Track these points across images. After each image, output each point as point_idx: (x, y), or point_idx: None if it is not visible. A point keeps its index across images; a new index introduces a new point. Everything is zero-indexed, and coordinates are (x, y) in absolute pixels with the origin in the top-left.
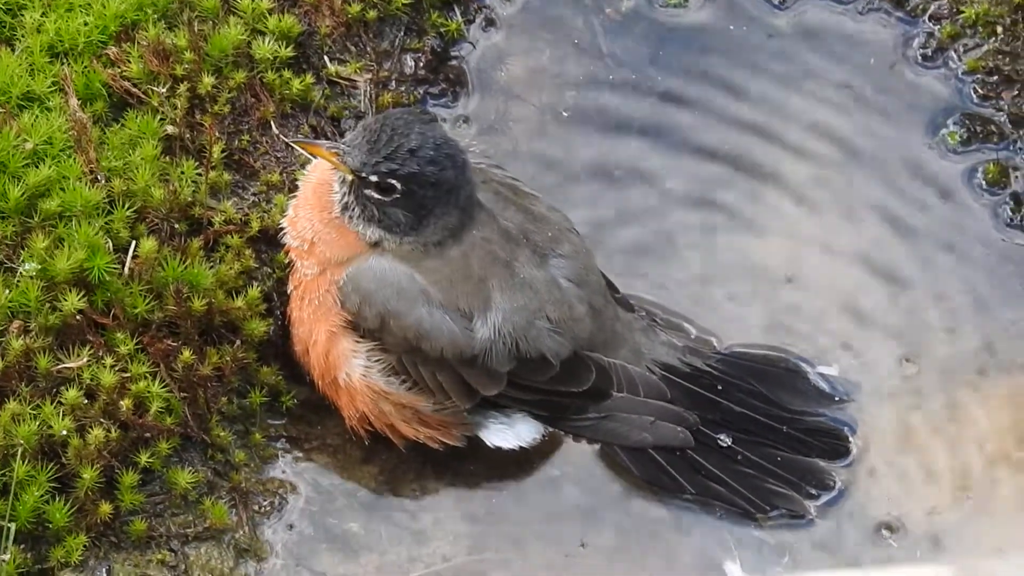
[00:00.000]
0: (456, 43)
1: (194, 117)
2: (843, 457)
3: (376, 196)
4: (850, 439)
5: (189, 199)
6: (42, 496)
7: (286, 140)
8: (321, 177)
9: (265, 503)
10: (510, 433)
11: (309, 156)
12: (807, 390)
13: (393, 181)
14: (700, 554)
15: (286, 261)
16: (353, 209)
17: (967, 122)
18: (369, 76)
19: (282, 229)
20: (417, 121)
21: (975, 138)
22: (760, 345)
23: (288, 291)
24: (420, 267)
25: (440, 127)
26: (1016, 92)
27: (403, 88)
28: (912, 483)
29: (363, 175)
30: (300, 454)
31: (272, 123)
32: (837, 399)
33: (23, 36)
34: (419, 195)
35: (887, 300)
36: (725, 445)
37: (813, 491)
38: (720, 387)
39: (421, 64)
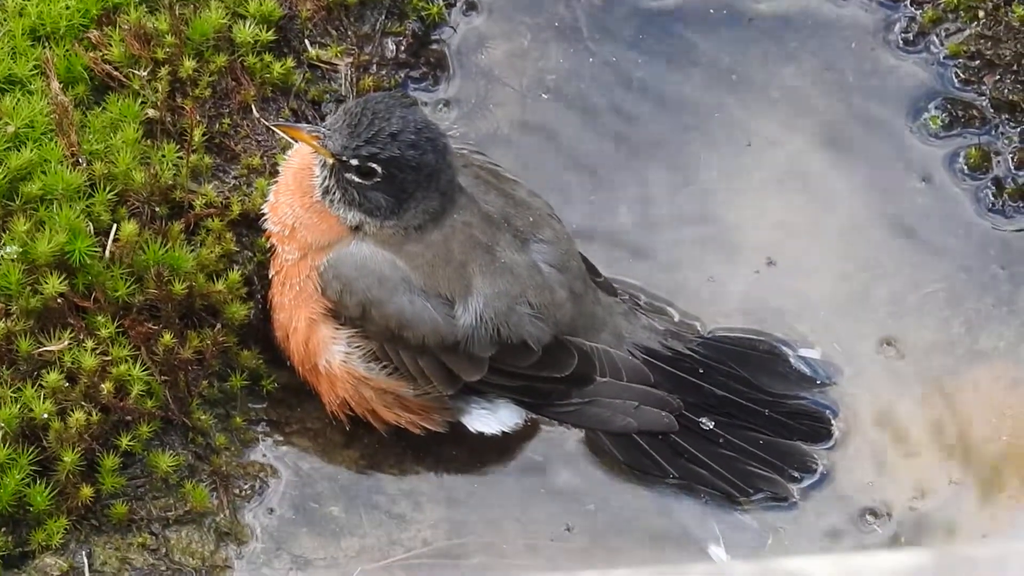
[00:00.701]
0: (437, 27)
1: (175, 100)
2: (825, 440)
3: (357, 180)
4: (832, 422)
5: (170, 182)
6: (23, 479)
7: (267, 124)
8: (302, 162)
9: (246, 487)
10: (492, 418)
11: (290, 140)
12: (789, 373)
13: (374, 165)
14: (684, 537)
15: (267, 246)
16: (334, 193)
17: (949, 107)
18: (350, 60)
19: (263, 213)
20: (398, 105)
21: (957, 123)
22: (742, 328)
23: (270, 276)
24: (401, 252)
25: (421, 111)
26: (998, 77)
27: (384, 72)
28: (894, 467)
29: (344, 159)
30: (281, 438)
31: (253, 107)
32: (819, 382)
33: (5, 20)
34: (400, 179)
35: (868, 284)
36: (707, 429)
37: (796, 474)
38: (702, 370)
39: (402, 48)
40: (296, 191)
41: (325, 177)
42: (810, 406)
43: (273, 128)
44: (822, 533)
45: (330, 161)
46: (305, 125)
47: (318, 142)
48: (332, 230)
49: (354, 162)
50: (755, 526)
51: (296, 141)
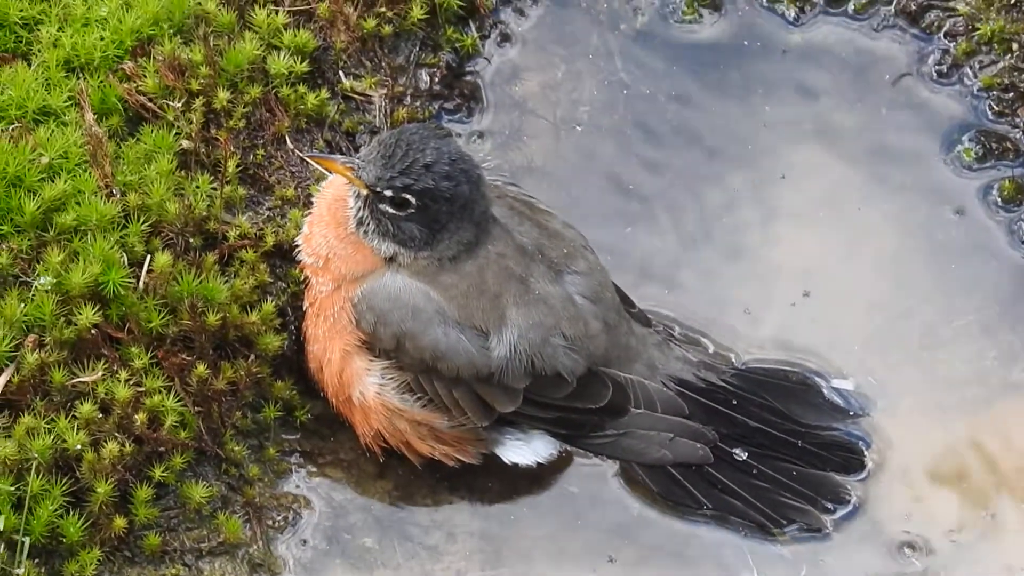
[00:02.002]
0: (471, 58)
1: (209, 132)
2: (858, 471)
3: (391, 211)
4: (865, 453)
5: (204, 213)
6: (56, 510)
7: (301, 155)
8: (336, 193)
9: (279, 518)
10: (527, 449)
11: (324, 171)
12: (822, 404)
13: (408, 196)
14: (718, 568)
15: (301, 277)
16: (368, 224)
17: (983, 139)
18: (384, 91)
19: (297, 244)
20: (432, 136)
21: (991, 155)
22: (775, 360)
23: (304, 308)
24: (435, 283)
25: (455, 142)
26: None
27: (418, 103)
28: (930, 499)
29: (378, 190)
30: (314, 469)
31: (287, 138)
32: (852, 413)
33: (39, 51)
34: (434, 210)
35: (902, 315)
36: (741, 460)
37: (829, 505)
38: (735, 402)
39: (436, 79)
40: (330, 222)
41: (359, 208)
42: (843, 437)
43: (307, 159)
44: (857, 565)
45: (364, 192)
46: (339, 156)
47: (352, 173)
48: (366, 261)
49: (388, 193)
50: (789, 557)
51: (330, 172)
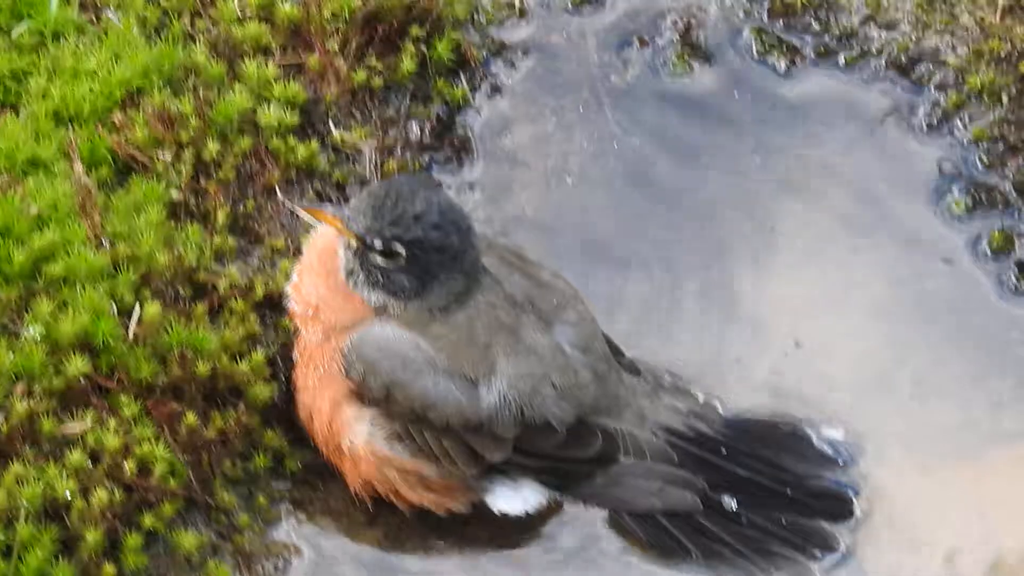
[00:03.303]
0: (462, 110)
1: (199, 183)
2: (847, 519)
3: (381, 262)
4: (854, 501)
5: (194, 264)
6: (46, 558)
7: (291, 206)
8: (326, 243)
9: (269, 566)
10: (516, 499)
11: (314, 222)
12: (811, 454)
13: (398, 247)
14: None
15: (291, 327)
16: (358, 275)
17: (972, 190)
18: (374, 143)
19: (287, 294)
20: (422, 187)
21: (980, 206)
22: (764, 409)
23: (293, 357)
24: (425, 332)
25: (445, 193)
26: (1021, 160)
27: (409, 155)
28: (920, 548)
29: (368, 241)
30: (304, 517)
31: (277, 189)
32: (841, 462)
33: (28, 102)
34: (424, 260)
35: (892, 364)
36: (730, 508)
37: (818, 553)
38: (725, 451)
39: (427, 131)
40: (320, 271)
41: (349, 259)
42: (832, 486)
43: (297, 210)
44: None
45: (354, 243)
46: (329, 207)
47: (342, 224)
48: (356, 311)
49: (378, 244)
50: None
51: (320, 223)
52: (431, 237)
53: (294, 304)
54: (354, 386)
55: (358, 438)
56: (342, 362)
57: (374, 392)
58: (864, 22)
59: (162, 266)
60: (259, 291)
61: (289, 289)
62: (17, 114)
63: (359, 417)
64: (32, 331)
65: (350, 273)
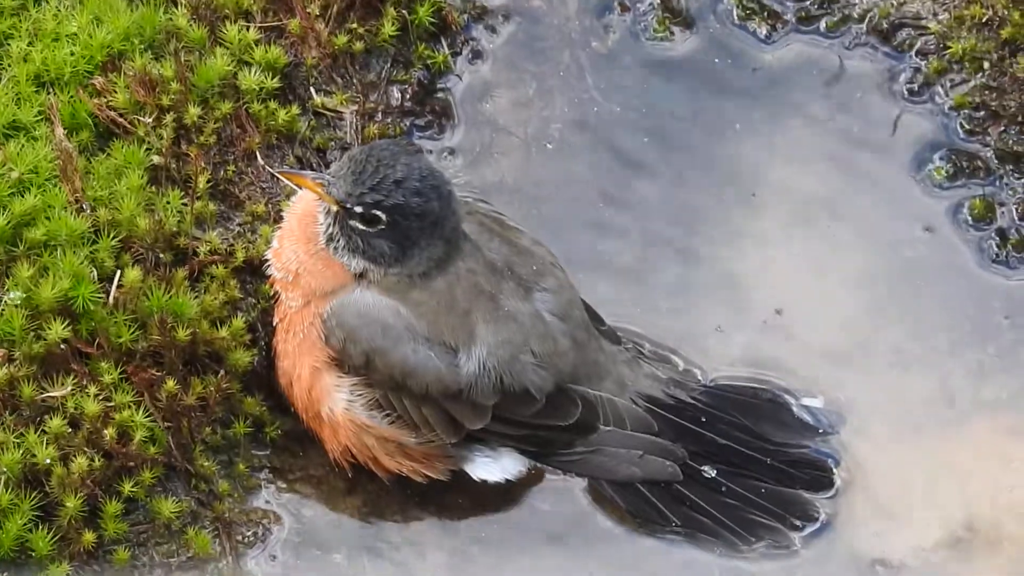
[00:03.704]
0: (443, 75)
1: (180, 147)
2: (827, 489)
3: (361, 227)
4: (834, 471)
5: (174, 229)
6: (25, 524)
7: (271, 170)
8: (306, 208)
9: (248, 533)
10: (495, 467)
11: (294, 187)
12: (791, 422)
13: (378, 212)
14: None
15: (271, 293)
16: (338, 240)
17: (953, 158)
18: (355, 107)
19: (267, 260)
20: (403, 152)
21: (961, 173)
22: (745, 377)
23: (273, 323)
24: (405, 299)
25: (425, 158)
26: (1003, 128)
27: (389, 120)
28: (899, 517)
29: (348, 206)
30: (284, 485)
31: (258, 154)
32: (821, 431)
33: (9, 65)
34: (404, 226)
35: (873, 333)
36: (710, 477)
37: (798, 522)
38: (704, 419)
39: (408, 96)
40: (301, 237)
41: (329, 224)
42: (812, 455)
43: (277, 175)
44: None
45: (334, 208)
46: (309, 172)
47: (322, 189)
48: (336, 277)
49: (358, 209)
50: (757, 573)
51: (300, 188)
52: (412, 203)
53: (274, 270)
54: (334, 353)
55: (338, 406)
56: (322, 329)
57: (354, 359)
58: None
59: (143, 231)
60: (239, 256)
61: (270, 254)
62: None
63: (339, 385)
64: (12, 296)
65: (330, 238)
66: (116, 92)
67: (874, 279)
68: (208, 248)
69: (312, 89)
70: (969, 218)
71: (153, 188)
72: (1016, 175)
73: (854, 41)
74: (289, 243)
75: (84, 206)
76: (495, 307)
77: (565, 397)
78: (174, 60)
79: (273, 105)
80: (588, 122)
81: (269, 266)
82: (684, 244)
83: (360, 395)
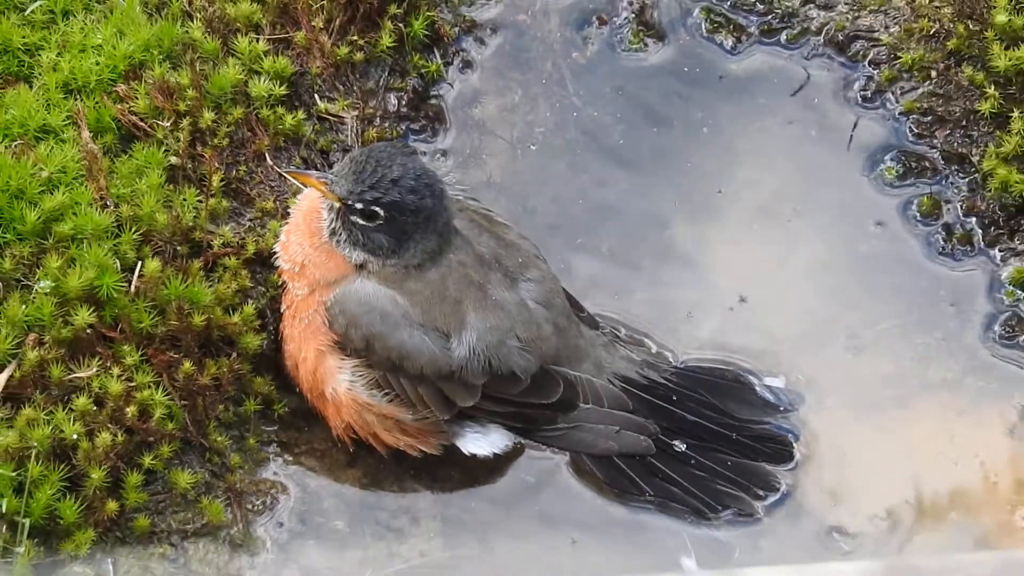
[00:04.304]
0: (436, 83)
1: (195, 149)
2: (788, 461)
3: (361, 222)
4: (794, 445)
5: (190, 224)
6: (54, 494)
7: (279, 170)
8: (311, 205)
9: (258, 502)
10: (485, 441)
11: (300, 185)
12: (755, 400)
13: (376, 208)
14: (659, 551)
15: (279, 282)
16: (340, 234)
17: (903, 158)
18: (356, 113)
19: (275, 252)
20: (399, 154)
21: (910, 173)
22: (712, 359)
23: (281, 310)
24: (402, 289)
25: (420, 159)
26: (948, 131)
27: (387, 124)
28: (853, 488)
29: (349, 203)
30: (290, 458)
31: (267, 155)
32: (782, 409)
33: (40, 74)
34: (400, 221)
35: (830, 320)
36: (680, 451)
37: (760, 492)
38: (675, 397)
39: (403, 102)
40: (306, 232)
41: (332, 219)
42: (774, 430)
43: (285, 174)
44: (788, 547)
45: (337, 205)
46: (314, 172)
47: (326, 187)
48: (339, 268)
49: (359, 206)
50: (724, 540)
51: (306, 186)
52: (407, 200)
53: (282, 261)
54: (337, 338)
55: (340, 386)
56: (326, 315)
57: (355, 343)
58: (805, 2)
59: (161, 225)
60: (250, 249)
61: (278, 248)
62: (30, 85)
63: (341, 366)
64: (43, 285)
65: (333, 232)
66: (137, 98)
67: (831, 270)
68: (221, 241)
69: (316, 96)
70: (918, 214)
71: (171, 186)
72: (961, 175)
73: (812, 52)
74: (295, 237)
75: (108, 203)
76: (484, 296)
77: (548, 378)
78: (190, 69)
79: (281, 111)
80: (568, 126)
81: (277, 258)
82: (657, 237)
83: (361, 376)
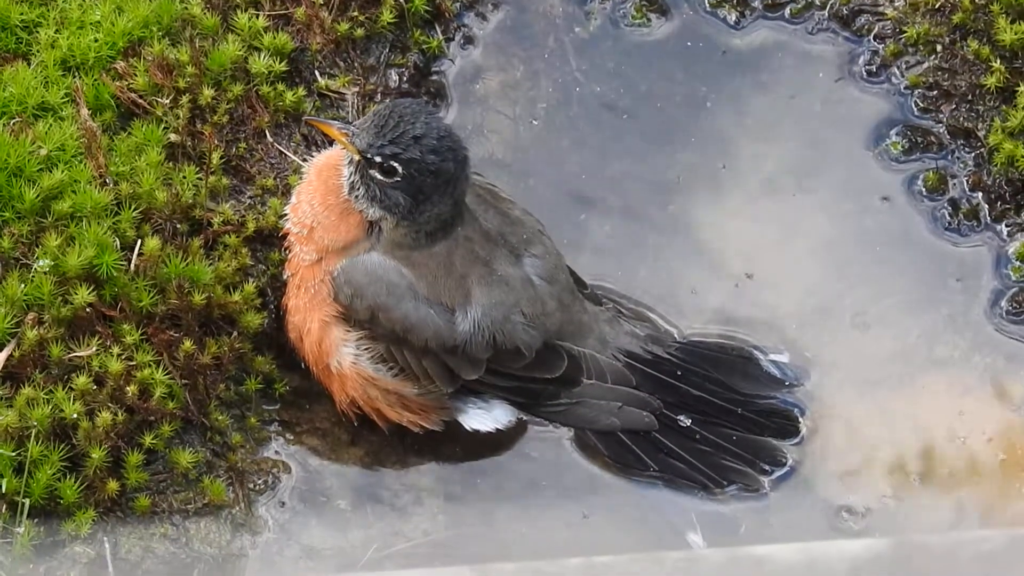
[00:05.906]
0: (437, 59)
1: (195, 126)
2: (793, 436)
3: (379, 177)
4: (800, 420)
5: (190, 201)
6: (54, 474)
7: (305, 119)
8: (327, 161)
9: (259, 481)
10: (487, 416)
11: (322, 133)
12: (759, 375)
13: (395, 164)
14: (665, 526)
15: (284, 247)
16: (359, 188)
17: (909, 133)
18: (356, 89)
19: (280, 225)
20: (424, 112)
21: (916, 148)
22: (717, 334)
23: (285, 278)
24: (408, 262)
25: (444, 121)
26: (954, 106)
27: (388, 100)
28: (860, 464)
29: (368, 156)
30: (292, 437)
31: (267, 132)
32: (787, 384)
33: (38, 51)
34: (418, 181)
35: (835, 296)
36: (685, 426)
37: (766, 467)
38: (679, 372)
39: (405, 78)
40: (319, 187)
41: (351, 172)
42: (779, 405)
43: (307, 122)
44: (793, 521)
45: (356, 157)
46: (336, 122)
47: (347, 139)
48: (349, 231)
49: (378, 159)
50: (729, 515)
51: (327, 136)
52: (428, 159)
53: (291, 224)
54: (342, 309)
55: (345, 359)
56: (332, 285)
57: (360, 314)
58: None
59: (161, 203)
60: (250, 227)
61: (287, 210)
62: (28, 63)
63: (346, 339)
64: (42, 263)
65: (352, 187)
66: (136, 76)
67: (836, 246)
68: (222, 219)
69: (317, 72)
70: (923, 189)
71: (170, 164)
72: (966, 149)
73: (816, 26)
74: (307, 196)
75: (107, 181)
76: (489, 272)
77: (552, 352)
78: (189, 46)
79: (281, 87)
80: (571, 102)
81: (286, 221)
82: (661, 212)
83: (366, 349)
